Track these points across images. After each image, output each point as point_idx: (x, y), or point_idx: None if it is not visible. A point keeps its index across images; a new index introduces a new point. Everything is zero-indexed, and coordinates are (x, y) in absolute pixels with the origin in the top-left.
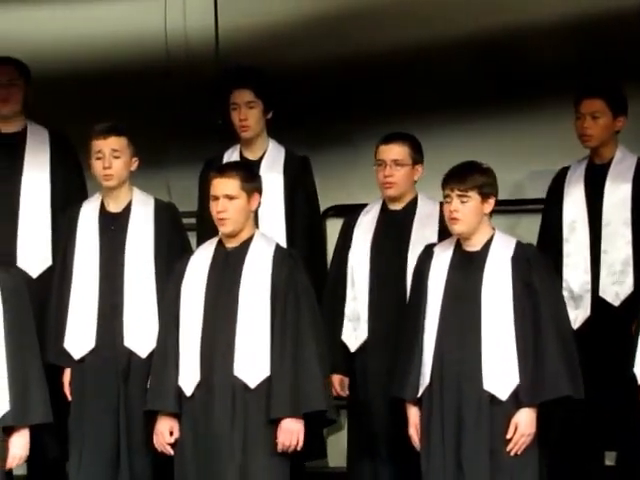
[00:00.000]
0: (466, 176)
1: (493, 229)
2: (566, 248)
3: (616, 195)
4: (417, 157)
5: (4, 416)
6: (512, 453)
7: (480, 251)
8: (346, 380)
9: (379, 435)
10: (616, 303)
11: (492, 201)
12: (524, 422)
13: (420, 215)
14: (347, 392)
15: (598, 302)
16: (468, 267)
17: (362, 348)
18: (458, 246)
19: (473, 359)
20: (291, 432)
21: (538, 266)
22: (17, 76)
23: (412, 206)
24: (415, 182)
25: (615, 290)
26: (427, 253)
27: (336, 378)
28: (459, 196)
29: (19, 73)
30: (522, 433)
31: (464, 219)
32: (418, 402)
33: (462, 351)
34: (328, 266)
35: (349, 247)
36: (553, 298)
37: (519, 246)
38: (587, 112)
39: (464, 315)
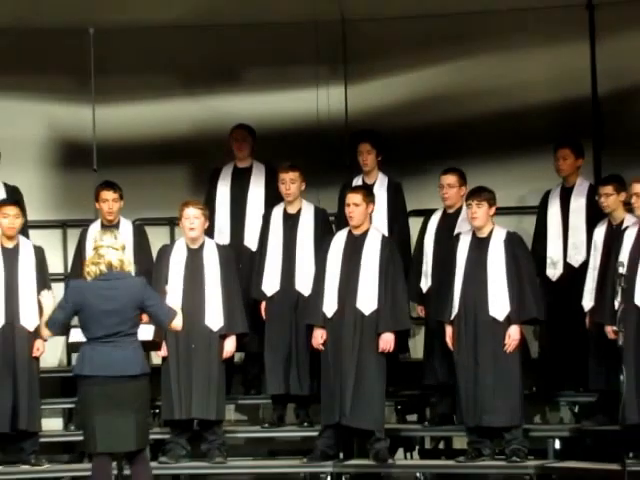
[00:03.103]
0: (480, 192)
1: (493, 224)
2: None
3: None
4: (463, 181)
5: (221, 328)
6: (508, 350)
7: (487, 236)
8: (422, 308)
9: (438, 340)
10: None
11: (494, 208)
12: (513, 332)
13: (463, 216)
14: (423, 315)
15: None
16: (480, 245)
17: (428, 291)
18: (474, 233)
19: (482, 297)
20: (388, 341)
21: (518, 243)
22: (247, 135)
23: (459, 210)
24: (462, 196)
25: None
26: (457, 237)
27: (419, 308)
28: (477, 204)
29: (248, 133)
30: (513, 338)
31: (480, 217)
32: (451, 323)
33: (476, 292)
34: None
35: (424, 233)
36: (527, 261)
37: (508, 233)
38: None
39: (478, 272)
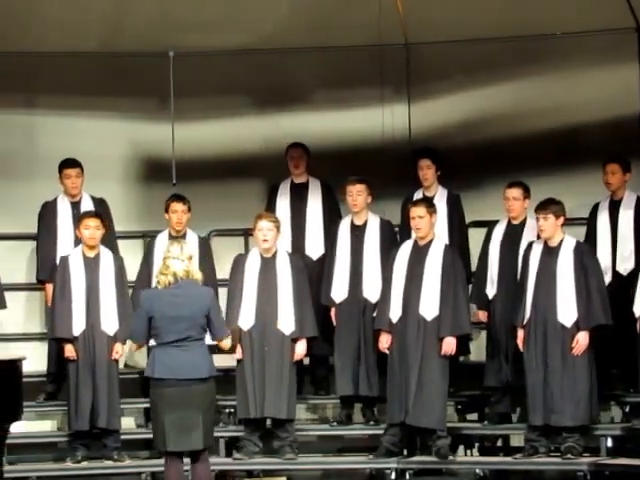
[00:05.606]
0: (545, 206)
1: (564, 233)
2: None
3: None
4: (527, 194)
5: (293, 332)
6: (575, 353)
7: (557, 245)
8: (486, 313)
9: (502, 343)
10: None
11: (562, 219)
12: (582, 338)
13: (528, 226)
14: (486, 320)
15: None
16: (550, 254)
17: (494, 297)
18: (545, 242)
19: (552, 303)
20: (449, 345)
21: (587, 252)
22: (302, 154)
23: (524, 221)
24: (526, 208)
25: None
26: (530, 245)
27: (482, 313)
28: (543, 217)
29: (303, 152)
30: (581, 343)
31: (546, 229)
32: (523, 327)
33: (546, 298)
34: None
35: (489, 242)
36: (595, 270)
37: (577, 243)
38: None
39: (548, 279)
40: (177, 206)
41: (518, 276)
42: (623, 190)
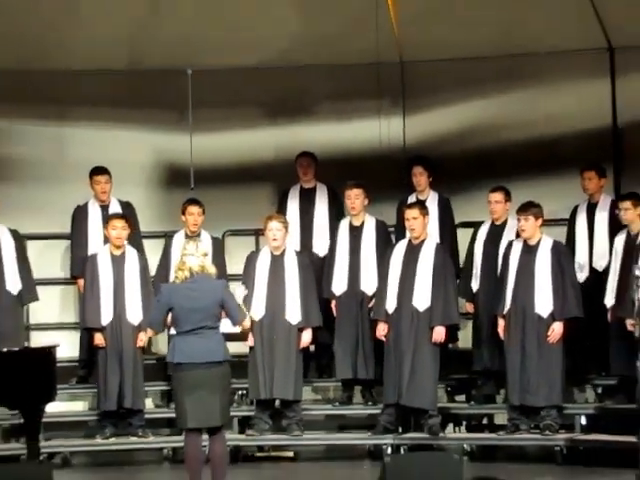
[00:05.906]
0: (526, 208)
1: (541, 233)
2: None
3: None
4: (508, 198)
5: (299, 322)
6: (550, 341)
7: (535, 244)
8: (472, 305)
9: (485, 332)
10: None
11: (540, 220)
12: (557, 327)
13: (509, 226)
14: (473, 311)
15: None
16: (529, 252)
17: (477, 290)
18: (525, 241)
19: (530, 296)
20: (439, 333)
21: (564, 252)
22: (310, 162)
23: (506, 222)
24: (507, 210)
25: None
26: (510, 243)
27: (469, 305)
28: (524, 219)
29: (312, 160)
30: (556, 332)
31: (527, 229)
32: (503, 316)
33: (525, 291)
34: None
35: (474, 241)
36: (570, 267)
37: (555, 242)
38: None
39: (527, 274)
40: (193, 209)
41: (499, 271)
42: (599, 194)
